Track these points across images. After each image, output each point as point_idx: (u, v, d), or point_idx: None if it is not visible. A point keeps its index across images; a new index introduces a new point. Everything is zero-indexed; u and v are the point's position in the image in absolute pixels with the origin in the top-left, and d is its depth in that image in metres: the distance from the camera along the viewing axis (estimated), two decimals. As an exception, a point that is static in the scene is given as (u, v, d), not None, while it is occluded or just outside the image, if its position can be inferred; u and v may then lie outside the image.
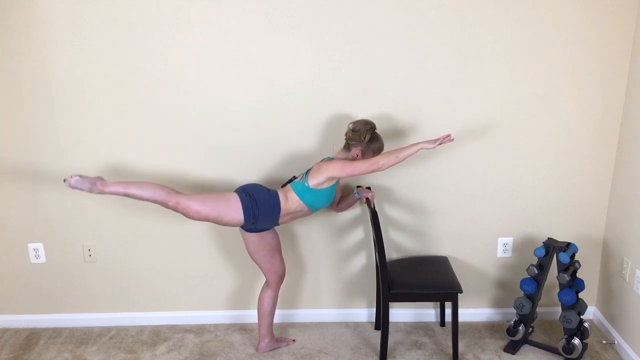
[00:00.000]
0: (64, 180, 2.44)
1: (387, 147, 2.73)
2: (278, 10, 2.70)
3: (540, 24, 2.73)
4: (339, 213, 2.99)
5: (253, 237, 2.67)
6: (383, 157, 2.49)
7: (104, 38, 2.73)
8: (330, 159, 2.65)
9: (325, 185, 2.56)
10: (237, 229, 2.76)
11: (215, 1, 2.69)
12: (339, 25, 2.72)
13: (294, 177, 2.69)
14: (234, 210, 2.51)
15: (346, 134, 2.64)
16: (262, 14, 2.70)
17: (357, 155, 2.61)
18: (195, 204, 2.47)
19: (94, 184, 2.46)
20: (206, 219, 2.51)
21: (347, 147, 2.65)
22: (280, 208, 2.57)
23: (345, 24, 2.72)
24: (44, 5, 2.68)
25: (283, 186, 2.67)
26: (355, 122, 2.63)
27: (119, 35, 2.73)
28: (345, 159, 2.63)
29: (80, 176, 2.45)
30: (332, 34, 2.74)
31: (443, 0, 2.69)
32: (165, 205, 2.46)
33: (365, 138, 2.58)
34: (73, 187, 2.45)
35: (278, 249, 2.79)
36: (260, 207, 2.53)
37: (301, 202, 2.58)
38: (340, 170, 2.51)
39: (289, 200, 2.58)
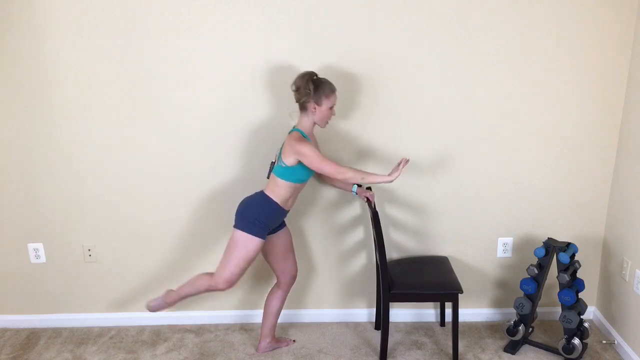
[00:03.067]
0: (147, 309, 2.80)
1: (387, 143, 2.72)
2: (278, 13, 2.71)
3: (540, 24, 2.74)
4: (339, 213, 3.00)
5: (270, 238, 2.70)
6: (352, 171, 2.45)
7: (104, 39, 2.74)
8: (296, 131, 2.55)
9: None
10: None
11: (216, 1, 2.69)
12: (339, 31, 2.73)
13: (273, 163, 2.66)
14: (251, 242, 2.55)
15: (295, 98, 2.56)
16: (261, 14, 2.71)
17: (315, 109, 2.51)
18: (227, 272, 2.58)
19: (165, 301, 2.76)
20: (245, 269, 2.60)
21: (302, 107, 2.56)
22: (275, 202, 2.58)
23: (345, 28, 2.73)
24: (44, 6, 2.68)
25: (268, 176, 2.65)
26: (294, 82, 2.54)
27: (120, 35, 2.73)
28: (307, 127, 2.55)
29: (152, 301, 2.78)
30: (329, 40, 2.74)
31: (445, 1, 2.70)
32: (212, 290, 2.65)
33: (310, 89, 2.49)
34: (155, 311, 2.80)
35: (292, 250, 2.82)
36: (260, 218, 2.55)
37: (289, 183, 2.56)
38: (309, 163, 2.46)
39: (279, 187, 2.56)
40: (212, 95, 2.83)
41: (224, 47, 2.76)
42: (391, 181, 2.45)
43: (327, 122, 2.58)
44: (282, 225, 2.77)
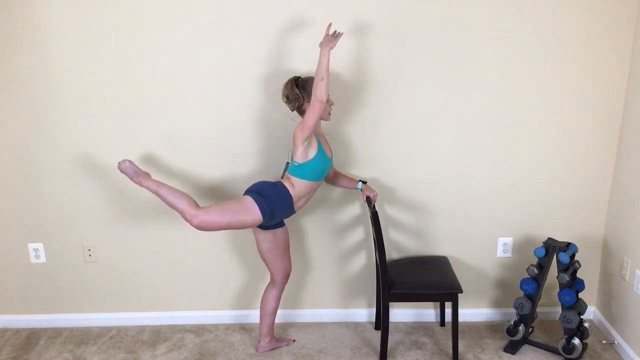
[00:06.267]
0: (119, 163, 2.59)
1: (383, 145, 2.72)
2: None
3: (540, 23, 2.74)
4: (338, 213, 3.01)
5: (268, 235, 2.69)
6: (314, 90, 2.42)
7: (105, 39, 2.74)
8: None
9: (311, 155, 2.53)
10: (240, 231, 2.77)
11: (217, 2, 2.70)
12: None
13: (287, 163, 2.68)
14: (253, 212, 2.52)
15: (290, 107, 2.60)
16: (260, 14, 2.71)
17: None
18: (213, 216, 2.47)
19: (138, 175, 2.60)
20: (227, 227, 2.51)
21: (300, 112, 2.60)
22: (291, 196, 2.58)
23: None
24: (45, 6, 2.68)
25: (282, 176, 2.67)
26: (282, 94, 2.58)
27: (121, 36, 2.73)
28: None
29: (131, 162, 2.60)
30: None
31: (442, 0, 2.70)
32: (182, 215, 2.49)
33: (299, 94, 2.53)
34: (121, 171, 2.59)
35: (288, 248, 2.82)
36: (273, 202, 2.54)
37: (305, 181, 2.57)
38: (301, 131, 2.47)
39: (295, 186, 2.58)
40: (213, 95, 2.83)
41: (225, 46, 2.76)
42: (329, 46, 2.40)
43: (329, 114, 2.61)
44: (282, 223, 2.77)
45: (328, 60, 2.40)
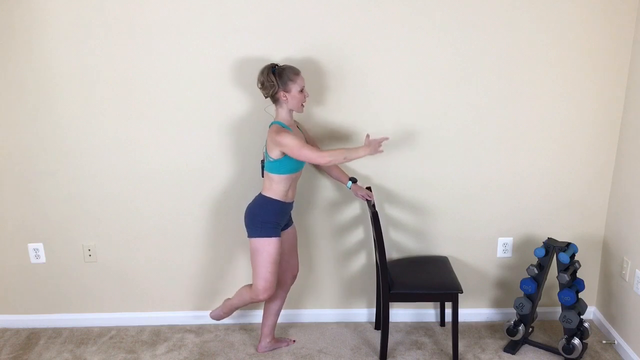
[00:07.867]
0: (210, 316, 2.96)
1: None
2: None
3: (540, 23, 2.74)
4: (338, 213, 3.01)
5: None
6: (332, 154, 2.44)
7: (106, 39, 2.74)
8: (275, 124, 2.55)
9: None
10: (239, 231, 2.77)
11: (217, 2, 2.70)
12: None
13: (262, 160, 2.66)
14: (268, 243, 2.57)
15: (264, 94, 2.57)
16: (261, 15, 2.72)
17: (286, 97, 2.51)
18: (261, 281, 2.62)
19: (222, 311, 2.89)
20: (275, 272, 2.63)
21: (274, 99, 2.56)
22: (276, 200, 2.58)
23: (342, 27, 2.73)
24: (45, 6, 2.68)
25: (263, 174, 2.66)
26: (257, 80, 2.55)
27: (122, 35, 2.73)
28: (286, 117, 2.56)
29: (212, 311, 2.94)
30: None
31: (442, 0, 2.70)
32: (253, 302, 2.72)
33: (275, 81, 2.49)
34: (216, 320, 2.97)
35: (296, 249, 2.84)
36: (269, 219, 2.56)
37: (283, 175, 2.56)
38: (290, 152, 2.46)
39: (275, 182, 2.57)
40: (213, 95, 2.83)
41: (215, 46, 2.76)
42: (371, 153, 2.46)
43: (302, 105, 2.58)
44: (290, 222, 2.78)
45: (359, 157, 2.48)
